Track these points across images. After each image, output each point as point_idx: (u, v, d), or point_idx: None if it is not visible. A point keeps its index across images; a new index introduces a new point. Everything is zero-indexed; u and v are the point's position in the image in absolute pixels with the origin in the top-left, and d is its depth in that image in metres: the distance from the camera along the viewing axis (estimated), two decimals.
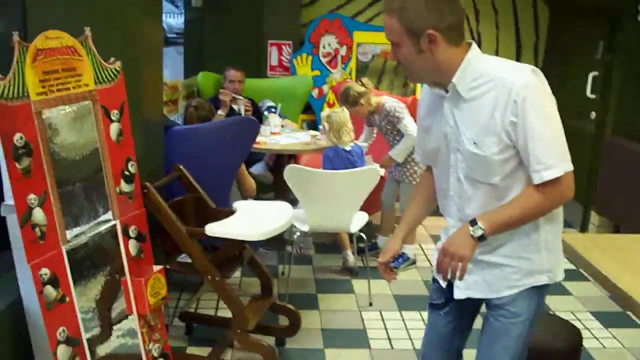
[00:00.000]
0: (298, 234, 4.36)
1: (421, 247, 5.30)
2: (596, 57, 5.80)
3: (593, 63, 5.81)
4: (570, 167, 2.05)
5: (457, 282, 2.23)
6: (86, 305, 2.87)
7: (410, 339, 3.87)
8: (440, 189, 2.33)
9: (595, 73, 5.72)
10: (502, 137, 2.06)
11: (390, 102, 4.74)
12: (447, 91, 2.15)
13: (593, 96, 5.75)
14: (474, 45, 2.14)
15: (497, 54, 7.06)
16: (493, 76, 2.07)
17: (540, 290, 2.27)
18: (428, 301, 2.52)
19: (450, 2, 2.08)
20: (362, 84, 4.76)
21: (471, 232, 2.06)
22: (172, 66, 8.39)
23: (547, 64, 7.02)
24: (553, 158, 2.03)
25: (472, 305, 2.42)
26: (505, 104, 2.03)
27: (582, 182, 5.73)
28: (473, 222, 2.07)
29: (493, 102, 2.05)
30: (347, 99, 4.74)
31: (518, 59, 7.09)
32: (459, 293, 2.31)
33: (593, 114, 5.79)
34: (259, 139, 5.02)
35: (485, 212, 2.11)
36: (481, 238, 2.06)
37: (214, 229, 3.18)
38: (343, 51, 6.77)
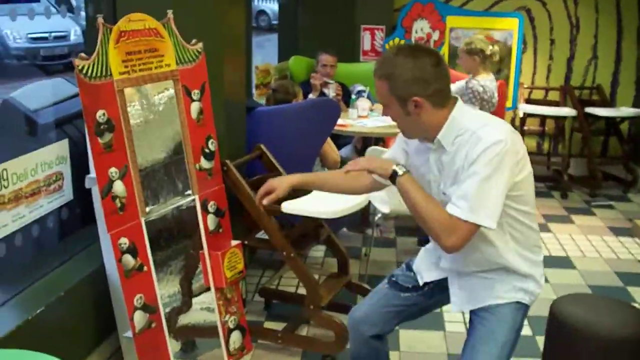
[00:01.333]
0: (379, 215, 4.40)
1: None
2: None
3: None
4: (477, 220, 2.10)
5: (453, 299, 2.44)
6: (168, 279, 3.03)
7: None
8: None
9: None
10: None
11: (490, 82, 4.71)
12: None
13: None
14: (459, 102, 2.27)
15: (596, 39, 6.86)
16: (471, 132, 2.17)
17: (524, 309, 2.38)
18: (390, 277, 2.65)
19: (436, 71, 2.20)
20: (492, 48, 4.81)
21: (394, 167, 2.23)
22: (269, 51, 8.55)
23: None
24: (468, 203, 2.10)
25: (437, 303, 2.62)
26: (467, 150, 2.15)
27: None
28: (403, 167, 2.23)
29: (464, 155, 2.16)
30: (470, 45, 4.79)
31: (619, 44, 6.85)
32: (456, 308, 2.46)
33: None
34: (345, 121, 5.08)
35: (414, 177, 2.25)
36: (393, 175, 2.21)
37: (289, 206, 3.27)
38: (435, 36, 6.74)
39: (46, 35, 9.96)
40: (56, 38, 10.13)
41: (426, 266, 2.55)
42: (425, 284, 2.54)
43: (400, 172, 2.22)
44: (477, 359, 2.31)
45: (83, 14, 3.47)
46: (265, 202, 2.56)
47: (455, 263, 2.40)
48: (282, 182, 2.57)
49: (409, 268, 2.63)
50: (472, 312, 2.43)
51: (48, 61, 9.92)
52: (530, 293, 2.37)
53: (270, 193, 2.55)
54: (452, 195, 2.15)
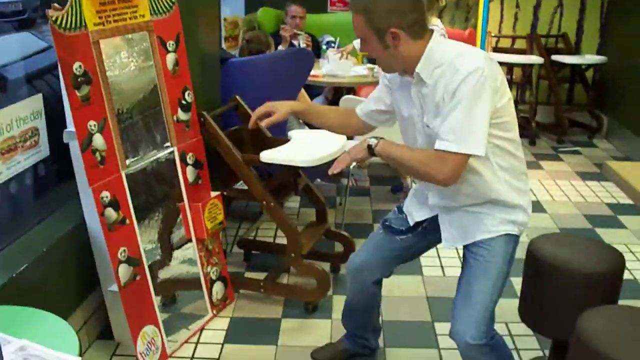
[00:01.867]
0: (353, 165, 4.42)
1: None
2: None
3: None
4: (467, 150, 2.13)
5: (444, 235, 2.50)
6: (147, 231, 3.03)
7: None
8: None
9: None
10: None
11: (440, 29, 4.71)
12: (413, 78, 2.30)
13: None
14: (435, 34, 2.28)
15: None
16: (448, 62, 2.18)
17: (515, 240, 2.45)
18: (384, 222, 2.71)
19: (412, 1, 2.21)
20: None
21: (368, 142, 2.28)
22: (238, 3, 8.43)
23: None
24: (456, 135, 2.12)
25: (432, 243, 2.66)
26: (446, 82, 2.16)
27: None
28: (373, 138, 2.29)
29: (443, 87, 2.17)
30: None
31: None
32: (448, 244, 2.52)
33: None
34: (316, 72, 5.07)
35: (389, 140, 2.30)
36: (370, 149, 2.27)
37: (268, 155, 3.27)
38: None
39: None
40: None
41: (416, 206, 2.59)
42: (418, 224, 2.58)
43: (373, 143, 2.27)
44: (472, 293, 2.37)
45: None
46: (263, 124, 2.57)
47: (444, 199, 2.44)
48: (283, 106, 2.57)
49: (400, 211, 2.68)
50: (464, 247, 2.48)
51: (1, 18, 9.70)
52: (520, 224, 2.43)
53: (269, 115, 2.55)
54: (439, 130, 2.17)
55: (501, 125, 2.27)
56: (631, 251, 4.20)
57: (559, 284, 2.61)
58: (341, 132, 2.91)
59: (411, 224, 2.60)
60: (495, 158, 2.32)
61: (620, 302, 2.66)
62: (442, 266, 3.95)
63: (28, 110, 2.72)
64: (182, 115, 3.18)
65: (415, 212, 2.58)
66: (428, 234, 2.60)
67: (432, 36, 2.26)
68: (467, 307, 2.38)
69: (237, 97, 3.65)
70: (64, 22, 2.55)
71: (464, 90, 2.11)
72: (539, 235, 2.85)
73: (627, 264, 2.90)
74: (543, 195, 5.19)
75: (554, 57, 6.70)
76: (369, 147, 2.28)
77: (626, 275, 2.93)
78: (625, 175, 2.71)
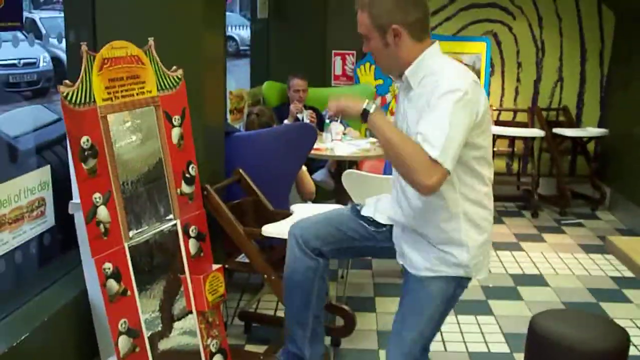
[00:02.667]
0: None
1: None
2: None
3: None
4: (446, 165, 2.12)
5: (397, 249, 2.55)
6: (148, 302, 3.04)
7: (465, 342, 3.91)
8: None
9: None
10: None
11: None
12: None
13: None
14: (435, 44, 2.33)
15: (561, 61, 7.03)
16: (437, 76, 2.22)
17: (458, 282, 2.46)
18: (354, 205, 2.76)
19: (415, 1, 2.28)
20: None
21: (365, 105, 2.27)
22: (244, 77, 8.61)
23: (613, 70, 6.94)
24: (438, 141, 2.11)
25: (386, 251, 2.68)
26: (429, 95, 2.20)
27: None
28: (373, 104, 2.27)
29: (427, 98, 2.20)
30: None
31: (583, 66, 7.03)
32: (399, 258, 2.57)
33: None
34: (320, 145, 5.14)
35: (385, 115, 2.29)
36: (364, 114, 2.25)
37: (269, 230, 3.31)
38: None
39: (15, 62, 9.93)
40: (25, 65, 10.10)
41: (383, 209, 2.62)
42: (383, 225, 2.61)
43: (371, 108, 2.25)
44: (402, 331, 2.46)
45: (52, 40, 3.50)
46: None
47: (407, 217, 2.45)
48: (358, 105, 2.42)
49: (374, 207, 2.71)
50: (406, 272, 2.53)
51: (17, 88, 9.91)
52: (464, 265, 2.42)
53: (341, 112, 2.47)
54: (420, 126, 2.17)
55: (477, 156, 2.31)
56: (637, 326, 4.17)
57: None
58: None
59: (382, 221, 2.63)
60: (462, 188, 2.34)
61: None
62: (443, 341, 3.93)
63: (36, 181, 2.79)
64: (185, 188, 3.22)
65: (378, 214, 2.62)
66: (389, 240, 2.63)
67: (432, 45, 2.31)
68: (398, 343, 2.47)
69: (241, 170, 3.71)
70: (74, 97, 2.63)
71: (442, 103, 2.14)
72: (542, 310, 2.85)
73: (633, 340, 2.90)
74: (546, 268, 5.19)
75: (555, 130, 6.79)
76: (365, 111, 2.26)
77: (632, 352, 2.93)
78: (627, 250, 2.73)
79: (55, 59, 10.41)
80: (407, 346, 2.44)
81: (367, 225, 2.67)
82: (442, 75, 2.22)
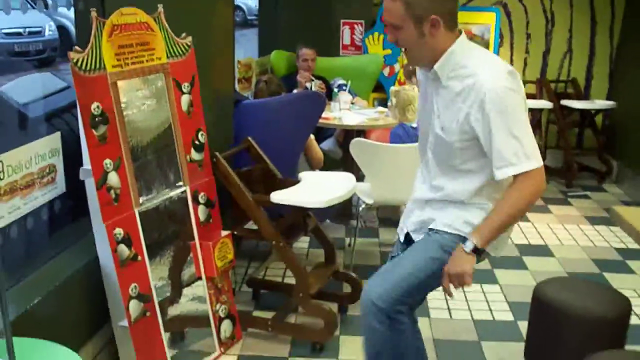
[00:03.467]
0: (363, 206, 4.47)
1: None
2: None
3: None
4: (535, 165, 2.19)
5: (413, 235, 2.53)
6: (158, 268, 3.08)
7: (470, 309, 3.95)
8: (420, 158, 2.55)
9: None
10: (464, 129, 2.24)
11: None
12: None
13: None
14: (462, 36, 2.30)
15: (570, 33, 7.00)
16: (469, 71, 2.22)
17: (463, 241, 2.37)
18: (391, 257, 2.69)
19: None
20: None
21: (464, 249, 2.26)
22: (251, 46, 8.59)
23: (623, 44, 6.90)
24: (516, 156, 2.17)
25: None
26: (473, 100, 2.19)
27: None
28: (464, 239, 2.28)
29: (463, 95, 2.21)
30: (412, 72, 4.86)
31: (592, 39, 6.99)
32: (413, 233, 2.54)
33: None
34: (328, 114, 5.15)
35: (477, 226, 2.30)
36: (475, 251, 2.25)
37: (278, 197, 3.33)
38: None
39: (20, 30, 9.90)
40: (31, 34, 10.08)
41: (406, 220, 2.62)
42: (409, 238, 2.58)
43: (471, 246, 2.26)
44: (399, 262, 2.45)
45: (60, 9, 3.50)
46: None
47: (432, 191, 2.46)
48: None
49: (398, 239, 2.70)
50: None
51: (22, 57, 9.90)
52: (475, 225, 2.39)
53: None
54: (495, 160, 2.20)
55: None
56: (639, 295, 4.21)
57: (565, 328, 2.64)
58: None
59: (402, 239, 2.62)
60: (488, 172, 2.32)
61: (627, 347, 2.68)
62: (449, 309, 3.97)
63: (47, 148, 2.80)
64: (195, 155, 3.25)
65: (404, 226, 2.61)
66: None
67: (459, 38, 2.29)
68: (388, 271, 2.44)
69: (250, 138, 3.73)
70: (84, 63, 2.64)
71: (495, 108, 2.16)
72: (546, 279, 2.88)
73: (635, 309, 2.93)
74: (551, 239, 5.21)
75: (564, 102, 6.77)
76: (475, 250, 2.25)
77: (634, 321, 2.96)
78: (631, 220, 2.75)
79: (61, 28, 10.39)
80: (395, 279, 2.36)
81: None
82: (478, 77, 2.19)
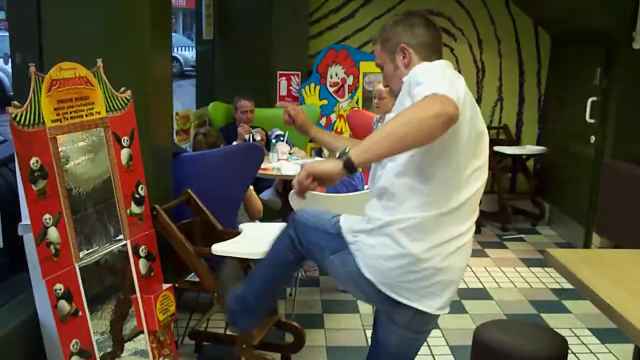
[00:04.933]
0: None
1: None
2: (594, 83, 5.95)
3: (592, 89, 5.97)
4: (445, 92, 1.95)
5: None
6: (99, 323, 3.04)
7: None
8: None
9: (594, 98, 5.89)
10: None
11: None
12: None
13: (592, 121, 5.91)
14: (447, 61, 2.33)
15: (500, 81, 7.25)
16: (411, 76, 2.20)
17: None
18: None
19: (422, 23, 2.34)
20: None
21: (344, 159, 2.01)
22: (188, 98, 8.62)
23: (550, 90, 7.18)
24: (427, 84, 2.01)
25: None
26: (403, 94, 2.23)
27: (583, 205, 5.92)
28: (342, 152, 2.03)
29: (403, 92, 2.23)
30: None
31: (521, 86, 7.27)
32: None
33: (592, 138, 5.94)
34: (266, 165, 5.19)
35: (355, 144, 2.12)
36: (348, 162, 2.00)
37: (219, 248, 3.34)
38: (350, 81, 6.97)
39: None
40: None
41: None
42: None
43: (345, 158, 2.00)
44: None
45: None
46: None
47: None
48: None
49: None
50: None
51: None
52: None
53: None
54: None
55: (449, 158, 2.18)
56: (576, 335, 4.31)
57: None
58: None
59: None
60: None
61: None
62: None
63: None
64: (135, 208, 3.25)
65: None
66: None
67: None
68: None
69: (189, 190, 3.74)
70: (23, 118, 2.64)
71: (416, 74, 2.14)
72: (485, 321, 2.94)
73: (573, 348, 3.01)
74: (489, 282, 5.32)
75: (496, 148, 6.96)
76: (346, 160, 2.00)
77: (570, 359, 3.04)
78: (565, 262, 2.83)
79: None
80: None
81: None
82: (417, 77, 2.11)
